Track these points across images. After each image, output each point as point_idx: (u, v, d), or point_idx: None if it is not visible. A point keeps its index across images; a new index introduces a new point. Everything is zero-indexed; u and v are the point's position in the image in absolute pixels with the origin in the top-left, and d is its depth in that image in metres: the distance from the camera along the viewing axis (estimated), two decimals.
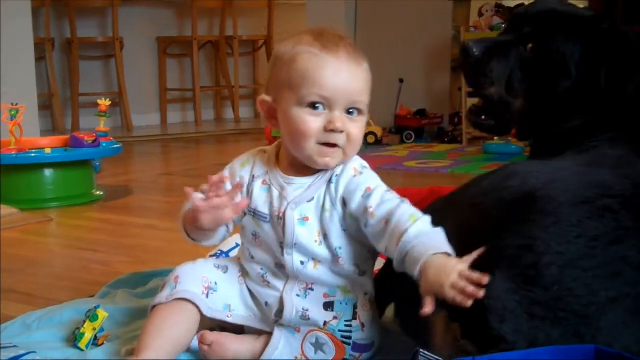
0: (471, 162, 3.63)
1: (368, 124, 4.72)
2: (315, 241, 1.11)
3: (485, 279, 0.91)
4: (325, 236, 1.11)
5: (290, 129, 1.10)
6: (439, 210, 1.14)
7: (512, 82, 1.38)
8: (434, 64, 5.01)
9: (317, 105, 1.07)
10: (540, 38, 1.35)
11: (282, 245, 1.12)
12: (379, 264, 1.35)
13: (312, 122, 1.07)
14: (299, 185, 1.13)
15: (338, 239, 1.11)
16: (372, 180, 1.11)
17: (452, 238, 1.01)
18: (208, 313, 1.14)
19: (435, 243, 0.99)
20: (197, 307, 1.13)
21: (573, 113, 1.33)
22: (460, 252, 0.98)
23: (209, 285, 1.16)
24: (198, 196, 1.08)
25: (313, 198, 1.12)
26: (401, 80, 4.75)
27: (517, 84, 1.38)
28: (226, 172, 1.19)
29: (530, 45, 1.36)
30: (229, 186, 1.12)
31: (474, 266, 0.94)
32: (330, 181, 1.12)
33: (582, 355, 0.88)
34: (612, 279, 0.94)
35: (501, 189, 1.07)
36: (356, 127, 1.10)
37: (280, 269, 1.14)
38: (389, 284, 1.19)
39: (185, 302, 1.13)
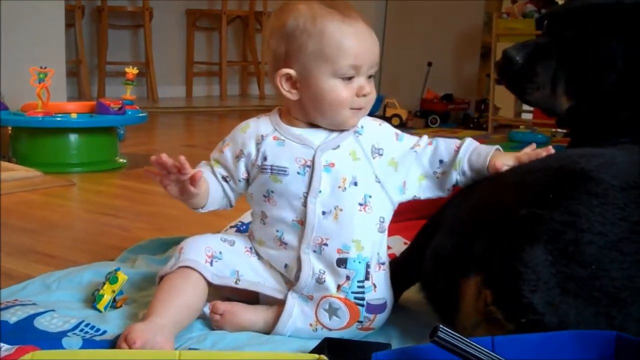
0: None
1: (393, 106, 4.68)
2: (339, 187, 1.13)
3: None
4: (356, 183, 1.14)
5: (324, 99, 1.13)
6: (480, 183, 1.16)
7: (557, 84, 1.36)
8: (463, 50, 4.96)
9: (350, 77, 1.13)
10: (583, 39, 1.32)
11: (305, 195, 1.13)
12: (398, 249, 1.35)
13: (346, 90, 1.13)
14: (320, 135, 1.17)
15: (369, 187, 1.15)
16: (393, 128, 1.22)
17: (491, 209, 1.04)
18: (214, 280, 1.15)
19: (490, 146, 1.20)
20: (201, 274, 1.13)
21: (623, 104, 1.30)
22: (490, 225, 1.02)
23: (213, 254, 1.16)
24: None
25: (339, 146, 1.16)
26: (429, 64, 4.71)
27: (562, 86, 1.36)
28: (227, 140, 1.21)
29: (573, 47, 1.33)
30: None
31: (512, 233, 0.99)
32: (357, 132, 1.17)
33: (603, 342, 0.87)
34: None
35: (551, 168, 1.08)
36: (372, 87, 1.17)
37: (298, 225, 1.14)
38: (412, 265, 1.20)
39: (190, 270, 1.14)
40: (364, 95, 1.14)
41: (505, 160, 1.16)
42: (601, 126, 1.32)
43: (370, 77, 1.15)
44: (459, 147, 1.19)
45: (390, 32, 5.12)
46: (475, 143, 1.20)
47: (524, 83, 1.38)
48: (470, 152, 1.18)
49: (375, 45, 1.15)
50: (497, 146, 1.19)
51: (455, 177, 1.18)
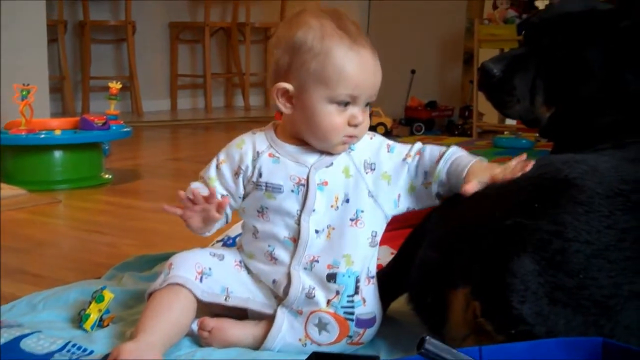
0: (481, 155, 3.61)
1: (378, 115, 4.68)
2: (332, 206, 1.14)
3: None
4: (348, 200, 1.14)
5: (317, 122, 1.13)
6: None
7: (535, 94, 1.36)
8: (446, 56, 4.99)
9: (347, 103, 1.12)
10: (560, 47, 1.33)
11: (298, 213, 1.13)
12: (385, 259, 1.35)
13: (340, 118, 1.13)
14: (314, 152, 1.16)
15: (361, 202, 1.15)
16: (385, 139, 1.21)
17: (477, 220, 1.04)
18: (204, 297, 1.14)
19: (472, 157, 1.16)
20: (191, 291, 1.13)
21: (604, 110, 1.31)
22: (476, 236, 1.02)
23: (203, 270, 1.16)
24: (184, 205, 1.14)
25: (332, 164, 1.16)
26: (413, 72, 4.73)
27: (540, 96, 1.36)
28: (221, 157, 1.20)
29: (551, 56, 1.34)
30: (205, 191, 1.15)
31: (499, 244, 0.98)
32: (349, 148, 1.17)
33: (590, 348, 0.87)
34: (637, 273, 0.94)
35: (534, 176, 1.08)
36: (366, 116, 1.15)
37: (290, 242, 1.14)
38: (398, 275, 1.20)
39: (179, 287, 1.13)
40: (355, 125, 1.13)
41: (480, 178, 1.11)
42: (581, 133, 1.33)
43: (366, 105, 1.14)
44: (440, 157, 1.17)
45: (372, 41, 5.13)
46: (459, 152, 1.17)
47: (504, 96, 1.38)
48: (450, 163, 1.16)
49: (377, 76, 1.14)
50: (479, 158, 1.16)
51: (435, 188, 1.17)
